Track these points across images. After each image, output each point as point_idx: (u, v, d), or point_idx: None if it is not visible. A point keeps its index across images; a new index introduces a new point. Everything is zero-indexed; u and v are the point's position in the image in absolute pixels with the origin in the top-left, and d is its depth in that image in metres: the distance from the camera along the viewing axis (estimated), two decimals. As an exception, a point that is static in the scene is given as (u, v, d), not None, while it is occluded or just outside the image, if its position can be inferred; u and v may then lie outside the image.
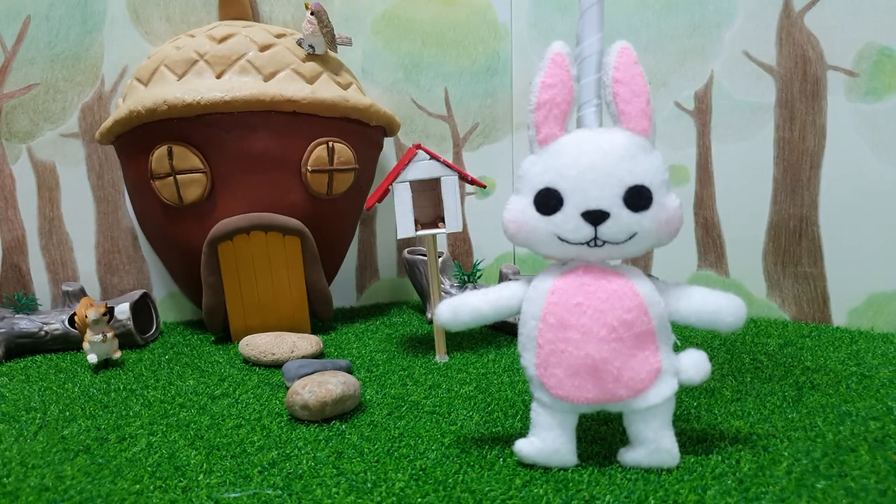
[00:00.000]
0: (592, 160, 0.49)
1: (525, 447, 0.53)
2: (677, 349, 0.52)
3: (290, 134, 0.97)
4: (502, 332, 0.99)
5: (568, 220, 0.50)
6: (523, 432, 0.60)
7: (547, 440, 0.52)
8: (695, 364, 0.52)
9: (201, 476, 0.53)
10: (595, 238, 0.50)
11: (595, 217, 0.49)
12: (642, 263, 1.16)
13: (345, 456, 0.57)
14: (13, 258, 1.12)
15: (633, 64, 0.51)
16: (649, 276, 0.53)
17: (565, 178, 0.49)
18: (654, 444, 0.51)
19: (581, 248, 0.51)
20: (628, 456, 0.53)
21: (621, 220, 0.49)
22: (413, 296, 1.28)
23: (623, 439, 0.58)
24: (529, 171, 0.51)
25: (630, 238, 0.50)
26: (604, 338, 0.49)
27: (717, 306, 0.51)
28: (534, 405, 0.53)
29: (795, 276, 1.00)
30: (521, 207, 0.51)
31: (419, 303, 1.24)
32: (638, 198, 0.49)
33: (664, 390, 0.50)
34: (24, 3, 1.07)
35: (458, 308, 0.54)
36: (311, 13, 0.99)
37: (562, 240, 0.51)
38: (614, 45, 0.51)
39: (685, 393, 0.69)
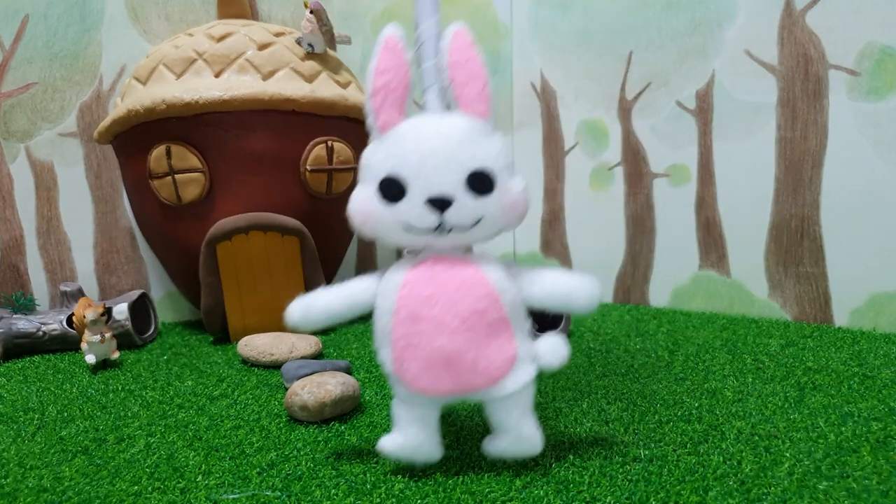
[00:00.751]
0: (433, 145, 0.48)
1: (388, 444, 0.52)
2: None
3: (289, 133, 0.97)
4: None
5: (413, 208, 0.48)
6: (524, 433, 0.60)
7: (409, 436, 0.51)
8: (552, 349, 0.51)
9: (200, 477, 0.53)
10: (441, 224, 0.49)
11: (439, 203, 0.48)
12: (644, 264, 1.15)
13: (344, 457, 0.56)
14: (11, 258, 1.11)
15: (467, 47, 0.50)
16: (507, 261, 0.53)
17: (407, 165, 0.48)
18: (515, 433, 0.51)
19: (429, 235, 0.50)
20: (491, 446, 0.52)
21: (465, 205, 0.48)
22: (413, 295, 1.27)
23: (628, 440, 0.58)
24: (371, 159, 0.50)
25: (476, 223, 0.49)
26: (456, 328, 0.48)
27: (571, 288, 0.51)
28: (394, 401, 0.52)
29: (797, 276, 0.99)
30: (365, 197, 0.50)
31: (419, 303, 1.24)
32: (480, 182, 0.48)
33: (521, 377, 0.50)
34: (23, 2, 1.07)
35: (308, 307, 0.53)
36: (311, 11, 0.99)
37: (408, 228, 0.49)
38: (449, 28, 0.50)
39: (686, 393, 0.69)
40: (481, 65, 0.50)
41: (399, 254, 1.28)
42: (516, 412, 0.51)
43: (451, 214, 0.48)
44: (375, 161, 0.50)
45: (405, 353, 0.49)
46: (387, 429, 0.62)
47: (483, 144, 0.49)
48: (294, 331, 0.99)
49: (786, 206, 0.99)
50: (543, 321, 0.94)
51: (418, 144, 0.48)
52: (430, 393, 0.50)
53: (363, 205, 0.50)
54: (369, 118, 0.51)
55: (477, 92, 0.50)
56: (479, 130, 0.49)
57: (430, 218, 0.49)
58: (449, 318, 0.48)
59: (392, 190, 0.49)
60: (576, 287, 0.51)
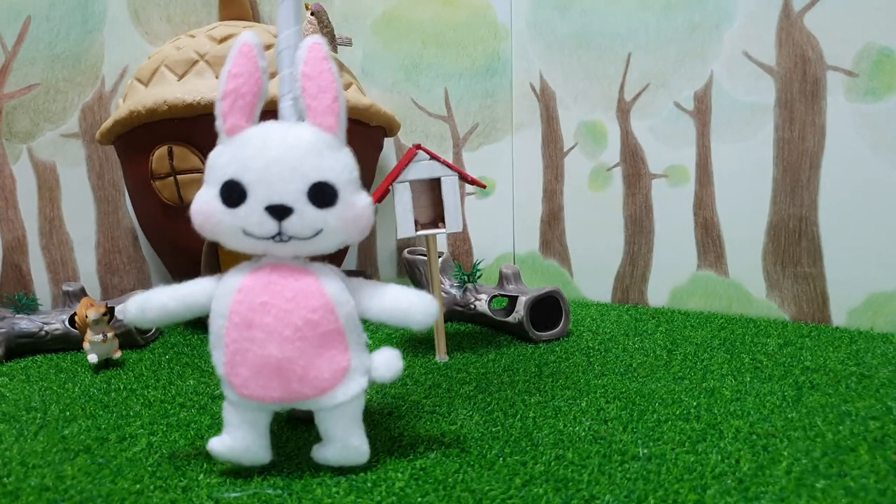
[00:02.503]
0: (277, 154, 0.48)
1: (217, 445, 0.52)
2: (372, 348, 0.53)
3: (291, 134, 0.97)
4: (502, 331, 0.99)
5: (252, 214, 0.49)
6: (523, 432, 0.60)
7: (237, 438, 0.52)
8: (386, 362, 0.52)
9: (202, 476, 0.53)
10: (280, 233, 0.49)
11: (279, 211, 0.48)
12: (642, 264, 1.16)
13: (345, 455, 0.57)
14: (14, 258, 1.12)
15: (321, 59, 0.50)
16: (356, 272, 0.54)
17: (249, 171, 0.48)
18: (341, 442, 0.52)
19: (267, 242, 0.50)
20: (319, 453, 0.53)
21: (305, 215, 0.49)
22: (413, 296, 1.28)
23: (626, 439, 0.58)
24: (216, 161, 0.50)
25: (316, 234, 0.49)
26: (288, 337, 0.49)
27: (409, 304, 0.52)
28: (224, 403, 0.53)
29: (795, 276, 1.00)
30: (207, 199, 0.50)
31: (419, 303, 1.24)
32: (322, 194, 0.48)
33: (352, 388, 0.51)
34: (25, 4, 1.07)
35: (145, 304, 0.53)
36: (311, 13, 0.99)
37: (247, 233, 0.50)
38: (306, 40, 0.51)
39: (684, 392, 0.69)
40: (333, 79, 0.50)
41: (399, 254, 1.28)
42: (344, 422, 0.51)
43: (289, 224, 0.49)
44: (219, 164, 0.50)
45: (236, 357, 0.50)
46: (387, 427, 0.63)
47: (328, 157, 0.49)
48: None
49: (784, 206, 1.00)
50: (542, 320, 0.95)
51: (263, 151, 0.49)
52: (258, 399, 0.50)
53: (204, 206, 0.50)
54: (217, 121, 0.51)
55: (326, 105, 0.50)
56: (325, 143, 0.49)
57: (269, 225, 0.49)
58: (281, 327, 0.49)
59: (233, 194, 0.49)
60: (414, 303, 0.52)
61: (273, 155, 0.48)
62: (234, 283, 0.51)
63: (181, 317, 0.54)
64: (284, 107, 0.54)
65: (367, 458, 0.53)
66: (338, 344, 0.50)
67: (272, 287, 0.50)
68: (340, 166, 0.49)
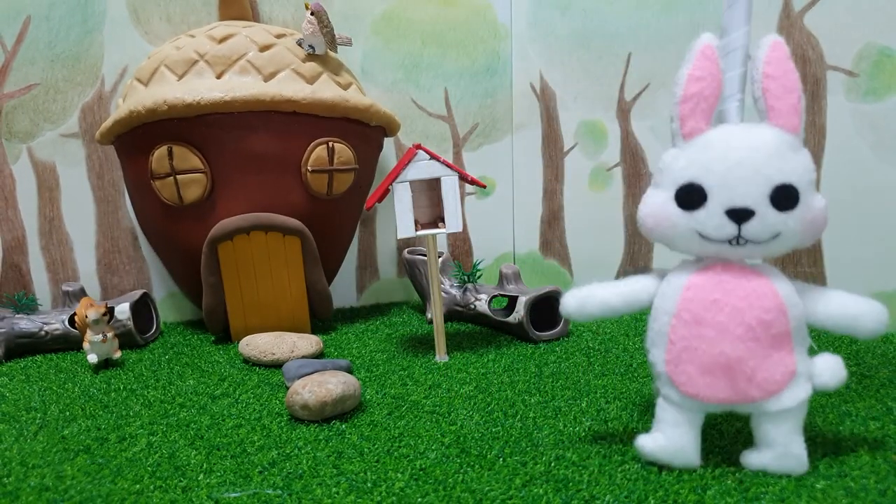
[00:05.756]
0: (741, 156, 0.48)
1: (649, 444, 0.52)
2: (812, 353, 0.51)
3: (290, 134, 0.97)
4: (501, 331, 0.99)
5: (711, 217, 0.49)
6: (524, 432, 0.60)
7: (672, 438, 0.51)
8: (830, 368, 0.50)
9: (201, 476, 0.53)
10: (738, 236, 0.49)
11: (740, 215, 0.48)
12: (642, 264, 1.16)
13: (345, 456, 0.57)
14: (13, 258, 1.12)
15: (785, 59, 0.49)
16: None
17: (711, 174, 0.48)
18: (782, 448, 0.50)
19: (722, 246, 0.49)
20: (754, 458, 0.51)
21: (767, 219, 0.48)
22: (413, 296, 1.28)
23: (627, 439, 0.58)
24: (672, 164, 0.50)
25: (773, 238, 0.49)
26: (740, 336, 0.48)
27: (858, 311, 0.50)
28: (659, 401, 0.52)
29: (795, 276, 1.00)
30: (660, 202, 0.50)
31: (419, 303, 1.24)
32: (785, 197, 0.48)
33: (798, 393, 0.49)
34: (25, 3, 1.07)
35: (585, 300, 0.54)
36: (311, 13, 0.99)
37: (703, 237, 0.49)
38: (765, 39, 0.50)
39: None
40: (797, 78, 0.49)
41: (400, 254, 1.28)
42: (786, 428, 0.50)
43: (749, 227, 0.48)
44: (676, 167, 0.50)
45: (682, 355, 0.50)
46: (387, 427, 0.63)
47: (791, 159, 0.48)
48: (291, 330, 1.00)
49: (784, 206, 0.99)
50: (543, 320, 0.94)
51: (726, 154, 0.48)
52: (702, 398, 0.50)
53: (656, 209, 0.50)
54: (674, 124, 0.51)
55: (792, 105, 0.49)
56: (788, 144, 0.49)
57: (728, 229, 0.49)
58: (734, 326, 0.48)
59: (692, 197, 0.49)
60: (864, 311, 0.50)
61: (736, 157, 0.48)
62: (681, 281, 0.50)
63: (619, 313, 0.54)
64: (730, 108, 0.53)
65: (807, 468, 0.51)
66: (786, 346, 0.49)
67: (724, 285, 0.49)
68: (802, 168, 0.48)
